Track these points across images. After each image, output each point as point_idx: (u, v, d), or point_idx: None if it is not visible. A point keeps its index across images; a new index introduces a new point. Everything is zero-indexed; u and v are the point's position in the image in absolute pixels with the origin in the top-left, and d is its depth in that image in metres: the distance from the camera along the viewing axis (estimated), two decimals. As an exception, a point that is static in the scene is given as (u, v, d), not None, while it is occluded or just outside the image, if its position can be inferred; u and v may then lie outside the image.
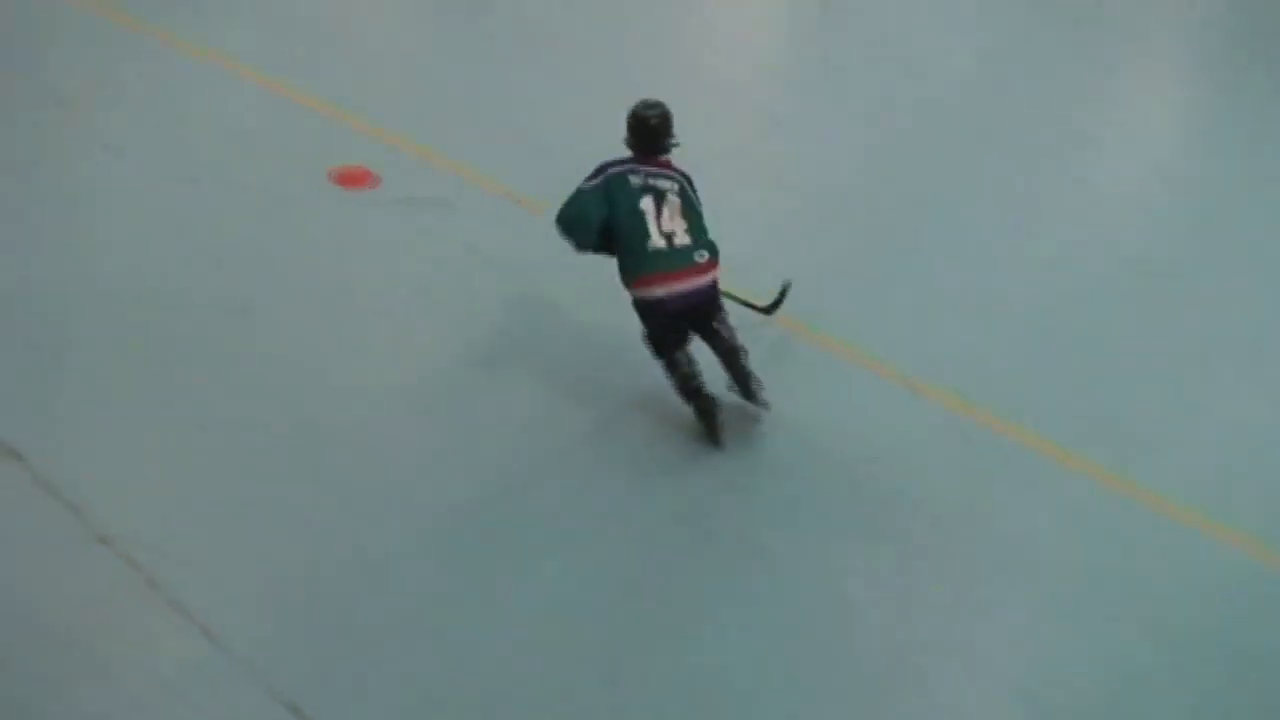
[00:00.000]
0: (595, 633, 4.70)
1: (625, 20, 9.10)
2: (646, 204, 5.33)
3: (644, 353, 5.55)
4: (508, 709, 4.39)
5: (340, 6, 9.74)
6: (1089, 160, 7.90)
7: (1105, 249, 7.01)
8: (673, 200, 5.37)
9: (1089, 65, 9.08)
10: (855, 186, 7.41)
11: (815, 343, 6.15)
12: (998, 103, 8.47)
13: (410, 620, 4.70)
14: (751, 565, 4.98)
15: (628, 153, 5.56)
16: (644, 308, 5.40)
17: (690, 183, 5.53)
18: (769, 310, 6.06)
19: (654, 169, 5.43)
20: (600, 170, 5.46)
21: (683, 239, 5.33)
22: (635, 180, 5.38)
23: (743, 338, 5.56)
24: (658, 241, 5.29)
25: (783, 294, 6.04)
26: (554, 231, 5.62)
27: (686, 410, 5.51)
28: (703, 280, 5.35)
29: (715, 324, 5.45)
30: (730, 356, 5.47)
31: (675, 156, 5.61)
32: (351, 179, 7.26)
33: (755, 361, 5.58)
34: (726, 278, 5.56)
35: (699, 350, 5.55)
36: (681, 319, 5.40)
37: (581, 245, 5.50)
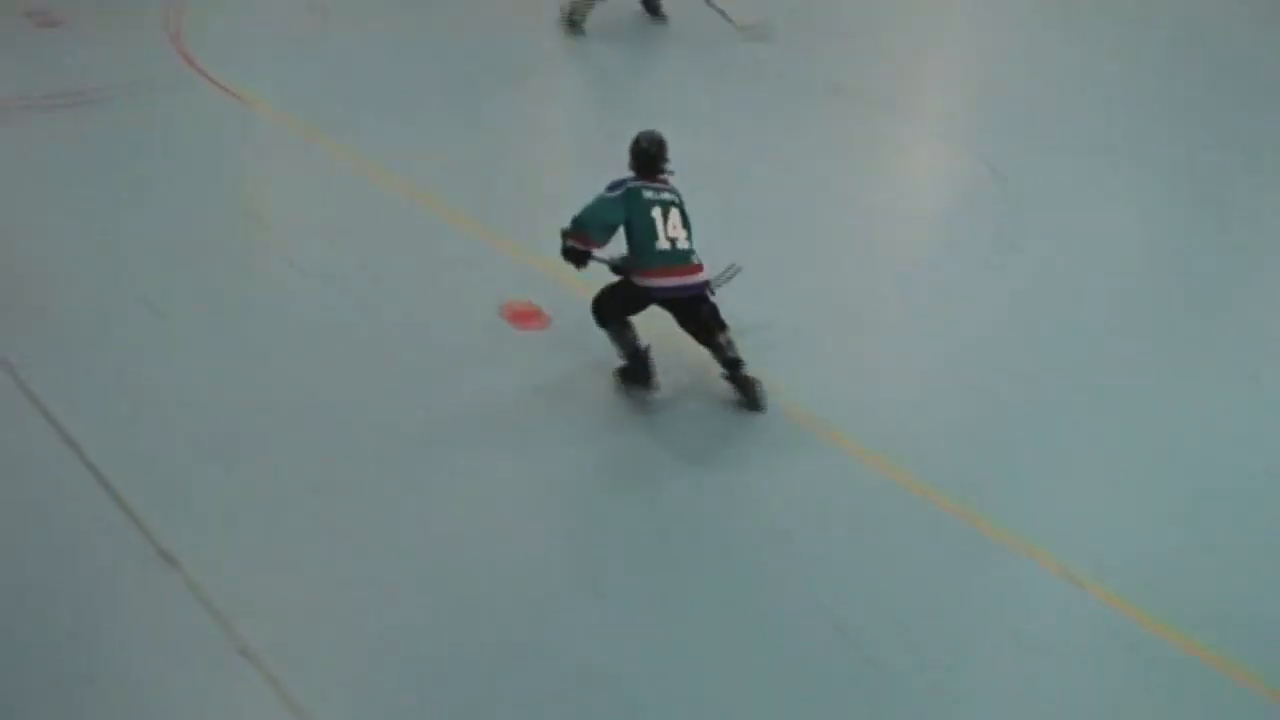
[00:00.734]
0: None
1: (816, 179, 9.15)
2: (656, 213, 6.46)
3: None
4: None
5: (521, 143, 10.02)
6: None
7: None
8: (675, 212, 6.51)
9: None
10: (1014, 367, 7.20)
11: (965, 518, 6.00)
12: (1171, 292, 8.22)
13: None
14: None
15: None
16: (639, 292, 6.53)
17: (681, 198, 6.62)
18: (719, 281, 6.64)
19: (659, 185, 6.58)
20: (619, 184, 6.54)
21: (683, 244, 6.50)
22: (648, 194, 6.51)
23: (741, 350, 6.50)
24: (664, 244, 6.44)
25: (728, 271, 6.72)
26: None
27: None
28: (695, 278, 6.50)
29: (719, 339, 6.51)
30: (733, 368, 6.54)
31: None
32: (523, 317, 7.37)
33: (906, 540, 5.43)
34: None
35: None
36: (665, 306, 6.56)
37: (597, 241, 6.54)
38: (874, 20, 12.43)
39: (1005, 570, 5.78)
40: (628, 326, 6.63)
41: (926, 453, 6.41)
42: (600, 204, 6.54)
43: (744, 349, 6.64)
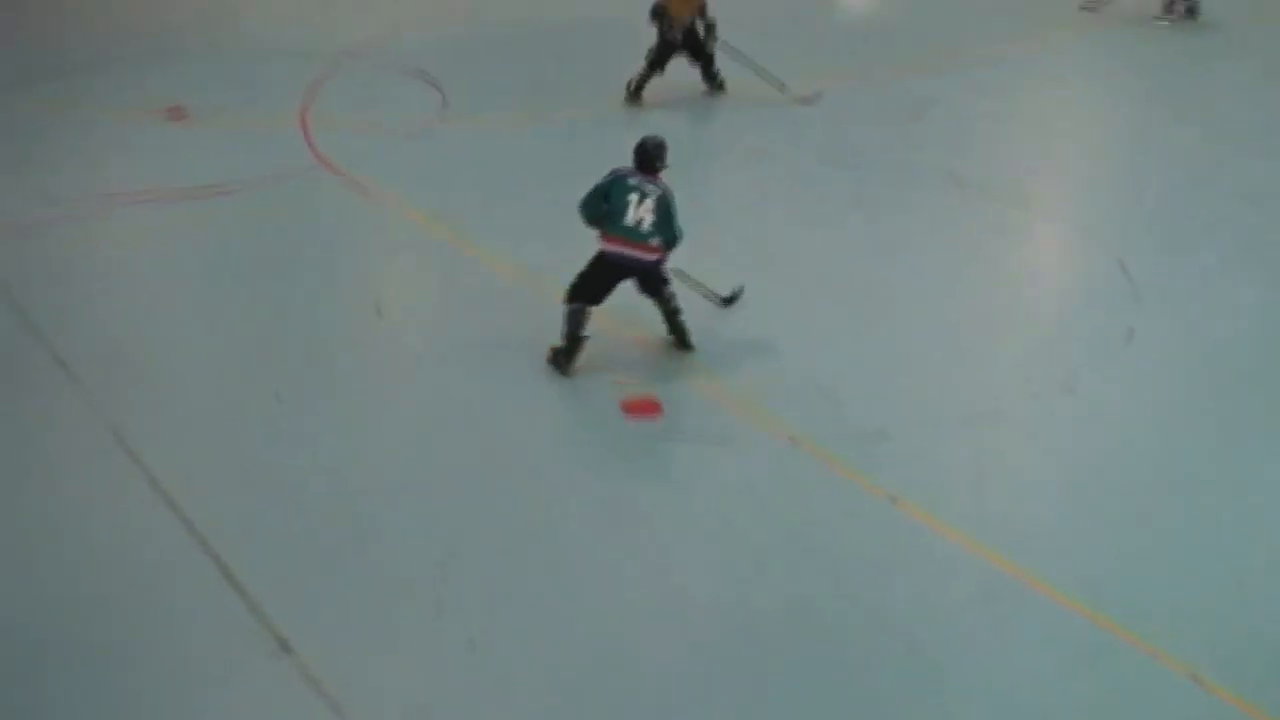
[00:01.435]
0: None
1: (936, 275, 9.03)
2: (632, 198, 7.68)
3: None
4: None
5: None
6: None
7: None
8: (649, 201, 7.67)
9: None
10: (1141, 467, 6.96)
11: (1087, 615, 5.80)
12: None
13: None
14: None
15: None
16: (599, 256, 7.75)
17: (669, 193, 7.73)
18: (726, 303, 8.34)
19: (646, 179, 7.76)
20: (613, 172, 7.77)
21: (645, 227, 7.66)
22: (631, 182, 7.73)
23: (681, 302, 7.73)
24: (629, 221, 7.65)
25: (735, 294, 8.37)
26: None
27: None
28: (645, 255, 7.71)
29: (664, 293, 7.83)
30: (672, 317, 7.90)
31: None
32: (640, 408, 7.33)
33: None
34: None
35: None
36: (619, 274, 7.74)
37: (591, 219, 7.76)
38: (987, 107, 12.32)
39: (1127, 669, 5.58)
40: (585, 313, 7.74)
41: (1051, 549, 6.25)
42: (593, 189, 7.79)
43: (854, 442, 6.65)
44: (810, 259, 9.14)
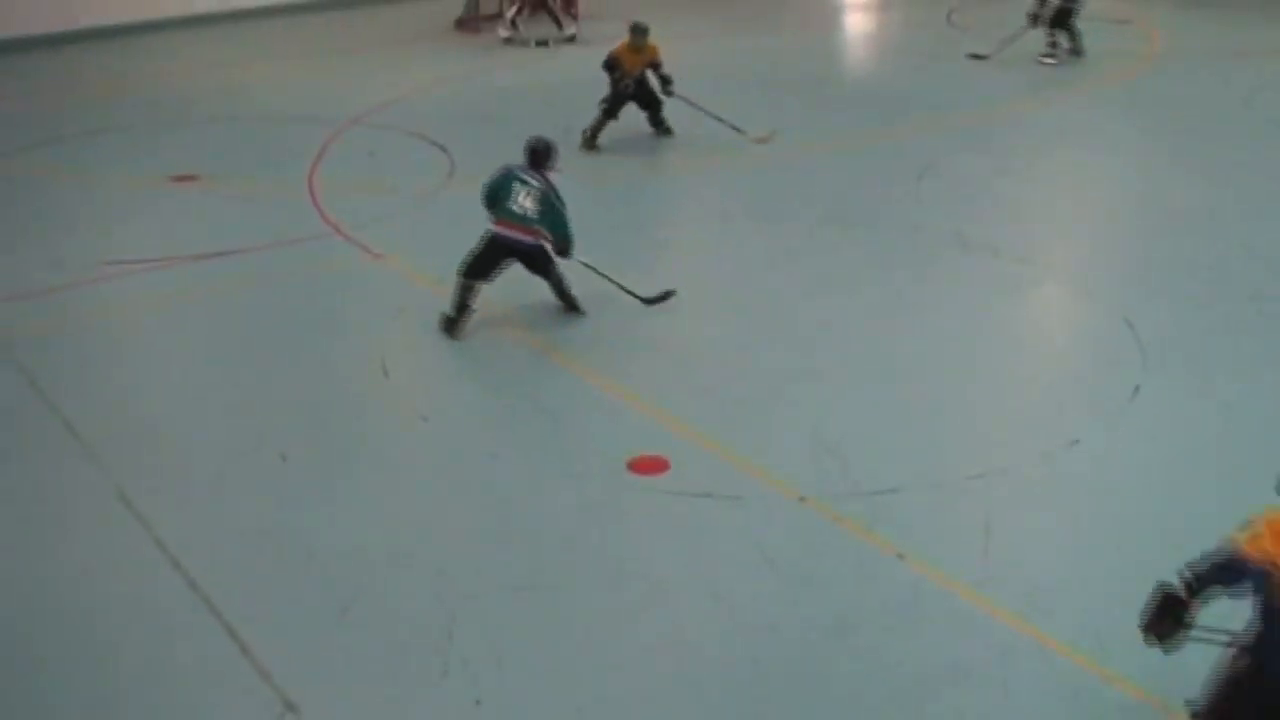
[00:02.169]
0: None
1: (942, 333, 9.05)
2: (517, 187, 8.94)
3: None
4: None
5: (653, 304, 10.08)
6: None
7: None
8: (532, 191, 8.92)
9: None
10: (1163, 532, 6.90)
11: (1112, 683, 5.73)
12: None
13: None
14: None
15: None
16: (489, 237, 8.95)
17: (552, 187, 9.04)
18: (648, 302, 9.19)
19: (533, 174, 9.01)
20: (505, 166, 9.09)
21: (529, 214, 8.89)
22: (520, 174, 9.00)
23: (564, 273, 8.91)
24: (514, 206, 8.89)
25: (665, 294, 9.25)
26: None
27: None
28: (527, 238, 8.91)
29: (552, 273, 9.05)
30: (560, 290, 9.10)
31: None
32: (647, 467, 7.33)
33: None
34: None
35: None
36: (506, 253, 8.95)
37: (486, 202, 9.03)
38: (990, 166, 12.40)
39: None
40: (474, 288, 8.92)
41: (1059, 606, 6.21)
42: (489, 181, 9.10)
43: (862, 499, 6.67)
44: (815, 318, 9.17)
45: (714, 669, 5.89)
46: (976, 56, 15.95)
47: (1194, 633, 4.71)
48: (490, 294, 9.10)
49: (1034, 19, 15.63)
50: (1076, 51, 15.71)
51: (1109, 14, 17.60)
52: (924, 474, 7.25)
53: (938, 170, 12.15)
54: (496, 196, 8.96)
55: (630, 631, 6.12)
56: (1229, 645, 4.69)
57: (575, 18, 17.68)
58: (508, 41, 17.08)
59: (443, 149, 12.68)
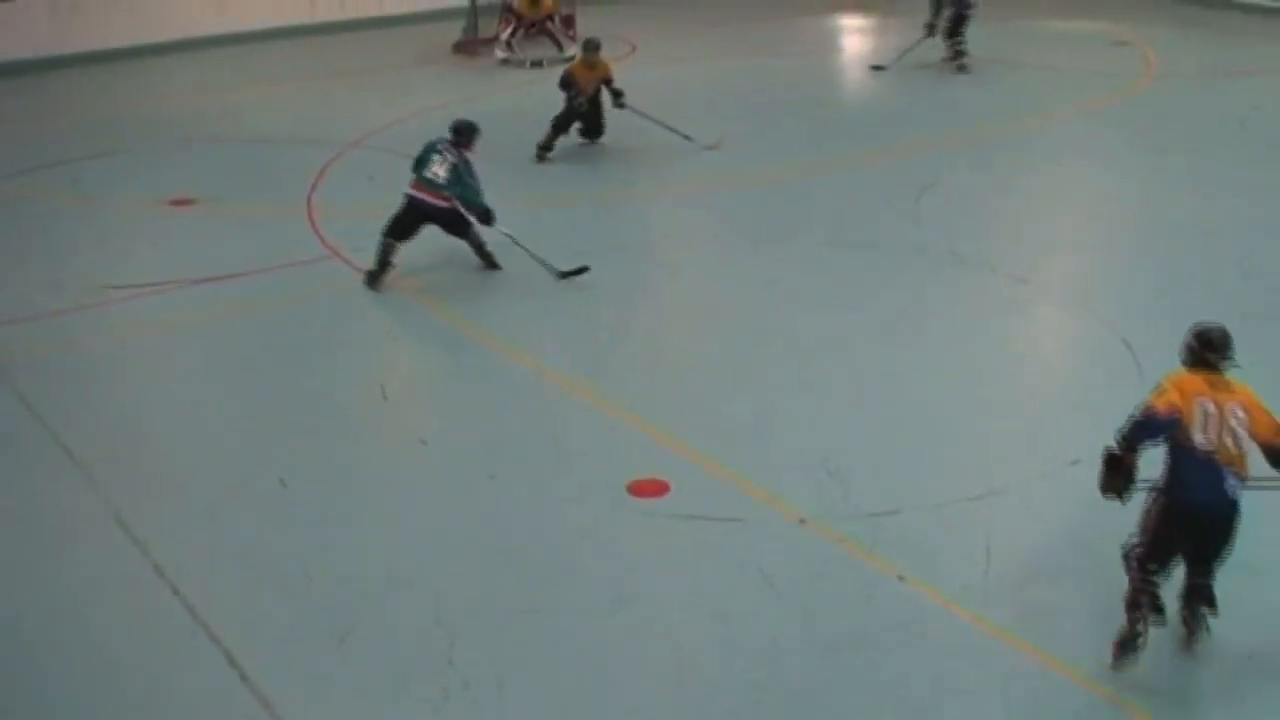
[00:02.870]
0: None
1: (941, 353, 9.04)
2: (435, 157, 9.97)
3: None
4: None
5: (649, 315, 10.10)
6: None
7: None
8: (447, 162, 9.93)
9: None
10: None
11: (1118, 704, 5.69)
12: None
13: None
14: None
15: None
16: (407, 199, 9.96)
17: (465, 161, 10.02)
18: (563, 276, 9.90)
19: (450, 148, 10.04)
20: (429, 142, 10.15)
21: (441, 179, 9.90)
22: (438, 146, 10.06)
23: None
24: (429, 174, 9.92)
25: (579, 269, 9.95)
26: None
27: None
28: (438, 201, 9.90)
29: (470, 235, 10.06)
30: (479, 249, 10.14)
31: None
32: (647, 489, 7.31)
33: None
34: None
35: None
36: (422, 216, 9.95)
37: (412, 169, 10.07)
38: (987, 184, 12.42)
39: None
40: (393, 246, 9.93)
41: (1062, 626, 6.19)
42: (420, 151, 10.16)
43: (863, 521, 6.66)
44: (815, 337, 9.17)
45: (715, 691, 5.87)
46: (877, 68, 16.32)
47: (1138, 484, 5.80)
48: (489, 317, 9.11)
49: (930, 28, 16.03)
50: (963, 69, 16.06)
51: (1107, 35, 17.72)
52: (924, 495, 7.23)
53: (937, 189, 12.16)
54: (418, 163, 10.04)
55: (631, 654, 6.11)
56: (1152, 490, 5.83)
57: (573, 39, 17.73)
58: (505, 63, 17.11)
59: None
